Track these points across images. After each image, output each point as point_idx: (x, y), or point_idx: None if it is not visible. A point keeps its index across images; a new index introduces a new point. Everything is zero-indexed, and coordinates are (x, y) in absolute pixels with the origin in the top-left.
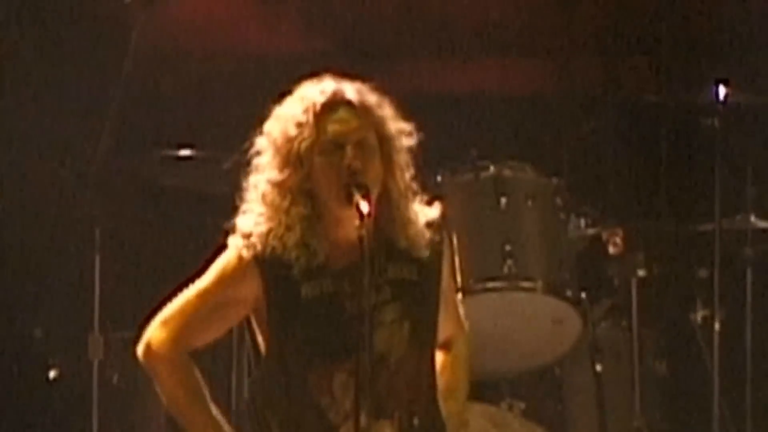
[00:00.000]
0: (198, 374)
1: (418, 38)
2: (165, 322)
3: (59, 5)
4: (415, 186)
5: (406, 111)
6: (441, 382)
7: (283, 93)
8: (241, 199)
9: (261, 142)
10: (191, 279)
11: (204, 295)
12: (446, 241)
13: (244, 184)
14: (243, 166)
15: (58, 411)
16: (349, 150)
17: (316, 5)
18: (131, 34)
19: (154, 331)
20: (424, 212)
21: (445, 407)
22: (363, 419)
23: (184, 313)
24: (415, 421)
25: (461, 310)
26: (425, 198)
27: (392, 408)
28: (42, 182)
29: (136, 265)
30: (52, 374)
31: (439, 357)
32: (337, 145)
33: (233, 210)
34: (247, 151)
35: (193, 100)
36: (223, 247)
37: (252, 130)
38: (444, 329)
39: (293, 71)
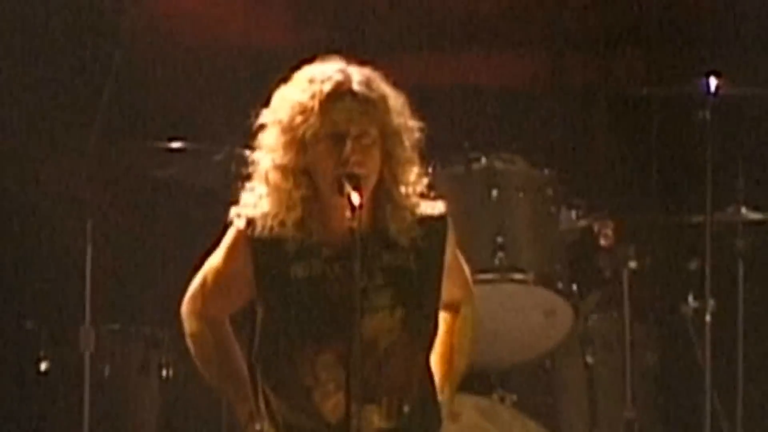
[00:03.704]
0: (229, 340)
1: (409, 30)
2: (189, 298)
3: None
4: (417, 180)
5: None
6: (446, 343)
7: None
8: (236, 189)
9: (267, 117)
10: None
11: (214, 271)
12: (449, 233)
13: (249, 158)
14: (235, 157)
15: (49, 403)
16: (348, 142)
17: None
18: (123, 26)
19: (183, 306)
20: (428, 206)
21: (444, 368)
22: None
23: (203, 287)
24: (405, 408)
25: (469, 277)
26: (432, 194)
27: (380, 394)
28: (33, 174)
29: (127, 257)
30: (43, 366)
31: (447, 318)
32: (338, 136)
33: (225, 202)
34: (245, 140)
35: (184, 92)
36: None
37: (243, 122)
38: (449, 293)
39: (285, 63)
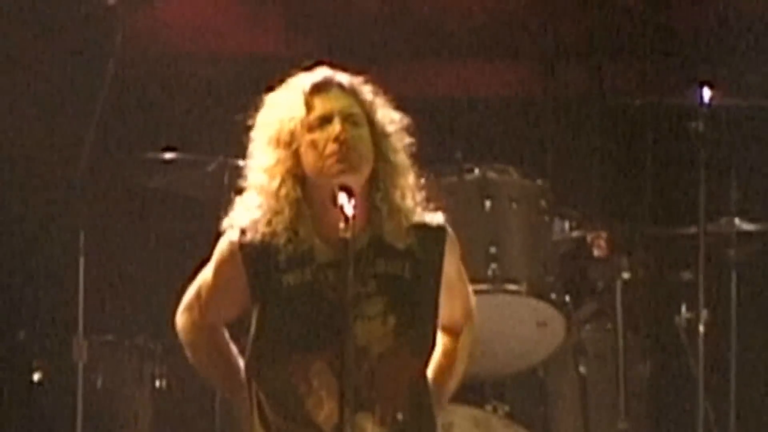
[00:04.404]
0: (225, 346)
1: (403, 41)
2: (185, 308)
3: (44, 8)
4: (413, 186)
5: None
6: (441, 366)
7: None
8: (229, 199)
9: (254, 131)
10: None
11: (208, 281)
12: (450, 242)
13: (242, 169)
14: (227, 168)
15: (42, 414)
16: (336, 122)
17: (301, 7)
18: (116, 36)
19: (179, 317)
20: (426, 216)
21: (433, 389)
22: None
23: (198, 298)
24: (399, 416)
25: (472, 301)
26: (431, 206)
27: (373, 401)
28: (26, 185)
29: (120, 267)
30: (36, 377)
31: (445, 342)
32: (325, 119)
33: (218, 212)
34: (231, 153)
35: (177, 103)
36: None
37: (236, 132)
38: (449, 315)
39: (278, 73)
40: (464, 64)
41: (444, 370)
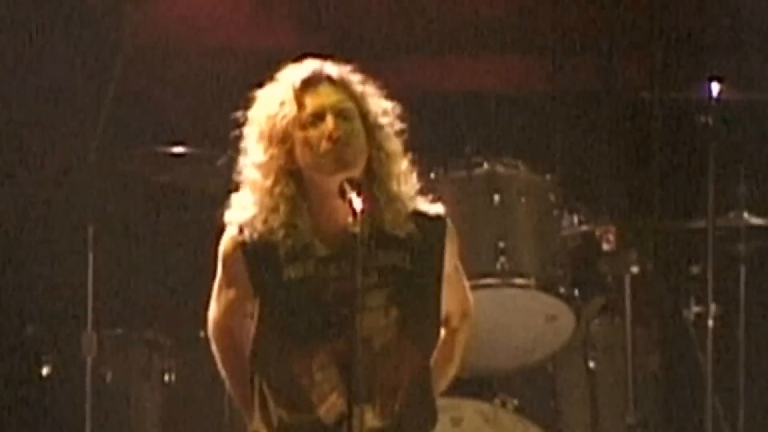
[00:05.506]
0: (241, 347)
1: (412, 35)
2: (211, 306)
3: (53, 2)
4: (408, 173)
5: (400, 108)
6: (435, 360)
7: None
8: (236, 191)
9: (246, 128)
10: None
11: (220, 285)
12: (450, 234)
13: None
14: (236, 162)
15: (51, 408)
16: (329, 119)
17: (311, 1)
18: (124, 30)
19: (209, 314)
20: (425, 205)
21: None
22: (343, 402)
23: (218, 303)
24: (397, 407)
25: (470, 297)
26: (430, 196)
27: (374, 393)
28: (34, 180)
29: (129, 262)
30: (45, 371)
31: (441, 335)
32: (318, 117)
33: (227, 207)
34: (239, 147)
35: (186, 97)
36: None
37: (244, 126)
38: (444, 309)
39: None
40: (473, 58)
41: (436, 365)
